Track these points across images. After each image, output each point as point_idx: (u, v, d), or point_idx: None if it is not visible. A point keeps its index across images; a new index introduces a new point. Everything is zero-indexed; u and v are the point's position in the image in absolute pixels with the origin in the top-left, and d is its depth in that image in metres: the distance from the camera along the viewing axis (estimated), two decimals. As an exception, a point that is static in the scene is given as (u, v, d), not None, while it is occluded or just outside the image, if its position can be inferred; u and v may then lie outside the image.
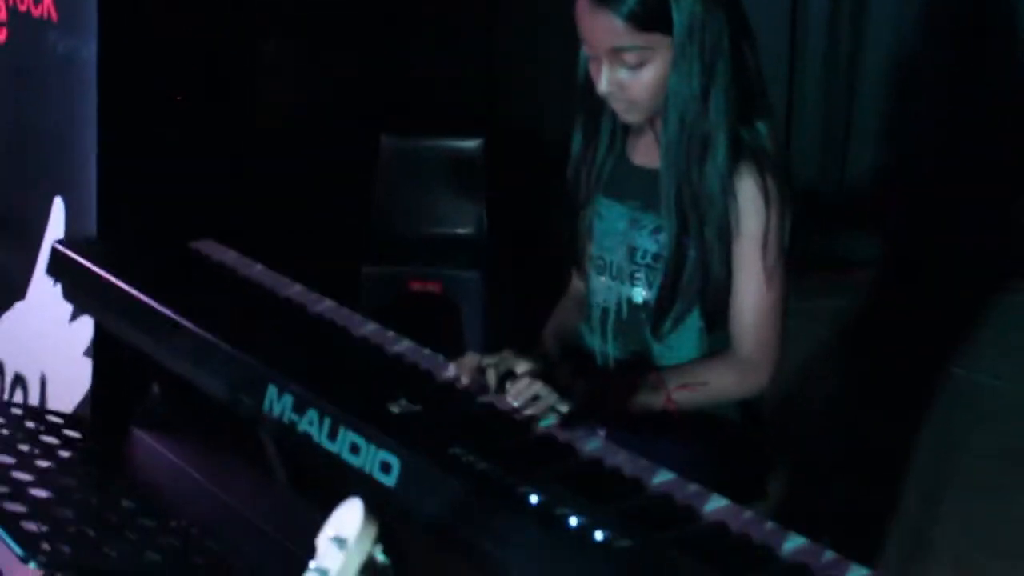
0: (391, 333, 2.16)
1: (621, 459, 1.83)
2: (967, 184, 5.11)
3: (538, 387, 1.91)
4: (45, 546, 1.76)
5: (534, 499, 1.65)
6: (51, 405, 2.99)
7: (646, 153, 2.23)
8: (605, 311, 2.28)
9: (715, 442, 2.20)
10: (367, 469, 1.76)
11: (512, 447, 1.82)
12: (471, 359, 2.02)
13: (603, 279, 2.27)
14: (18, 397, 3.15)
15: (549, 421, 1.91)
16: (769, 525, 1.69)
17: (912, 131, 5.15)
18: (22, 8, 3.15)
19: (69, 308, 3.00)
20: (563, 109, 2.39)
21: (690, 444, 2.13)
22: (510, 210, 4.30)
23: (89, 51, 2.95)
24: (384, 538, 1.39)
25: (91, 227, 2.95)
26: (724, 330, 2.20)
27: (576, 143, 2.29)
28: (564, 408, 1.91)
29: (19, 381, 3.17)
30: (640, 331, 2.24)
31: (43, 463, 2.08)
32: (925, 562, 3.34)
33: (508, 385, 1.94)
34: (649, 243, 2.20)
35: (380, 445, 1.76)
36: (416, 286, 4.02)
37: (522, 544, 1.60)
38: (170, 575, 1.90)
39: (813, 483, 3.72)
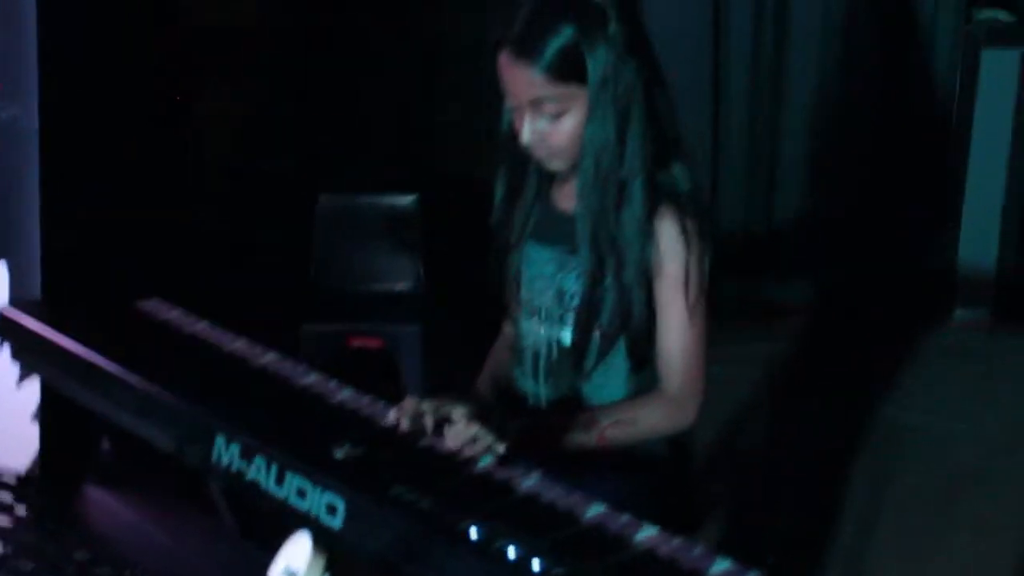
0: (333, 382, 2.24)
1: (556, 494, 1.92)
2: (892, 226, 5.24)
3: (475, 429, 2.00)
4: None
5: (474, 533, 1.73)
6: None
7: (571, 198, 2.31)
8: (536, 353, 2.38)
9: (646, 477, 2.30)
10: (314, 512, 1.84)
11: (452, 486, 1.90)
12: (410, 404, 2.10)
13: (533, 322, 2.37)
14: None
15: (487, 461, 2.00)
16: (697, 550, 1.78)
17: (836, 175, 5.26)
18: (-37, 77, 3.22)
19: (15, 373, 3.06)
20: (497, 161, 2.48)
21: (622, 479, 2.23)
22: (447, 264, 4.38)
23: (30, 117, 3.02)
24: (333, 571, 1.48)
25: (35, 290, 3.01)
26: (650, 368, 2.29)
27: (499, 191, 2.39)
28: (500, 448, 1.99)
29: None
30: (569, 373, 2.34)
31: (-2, 521, 2.14)
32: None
33: (446, 428, 2.03)
34: (576, 286, 2.30)
35: (325, 488, 1.84)
36: (356, 342, 4.08)
37: (464, 576, 1.69)
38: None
39: (751, 519, 3.82)
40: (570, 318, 2.31)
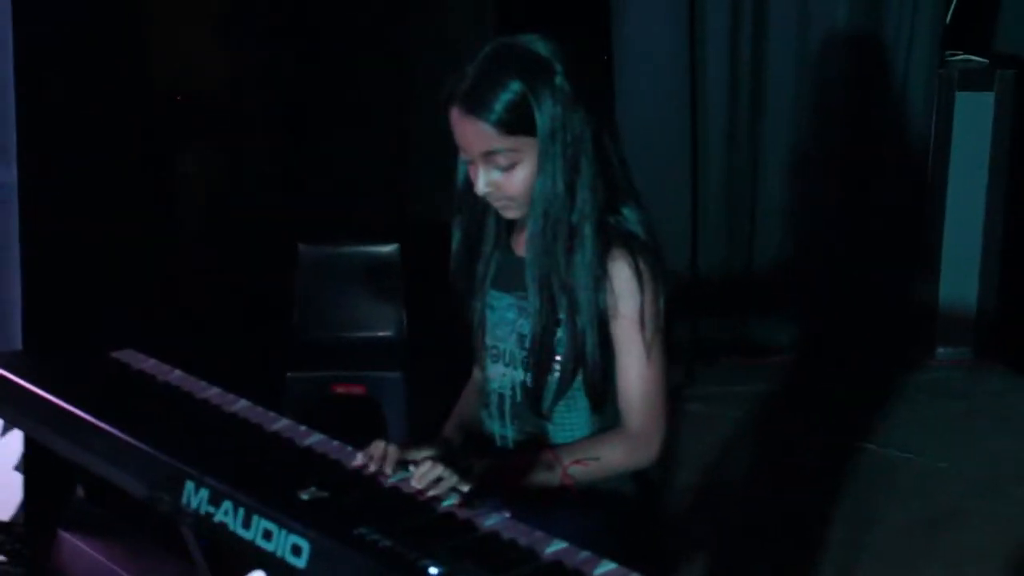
0: (303, 428, 2.28)
1: (517, 532, 1.95)
2: (873, 267, 5.28)
3: (440, 470, 2.05)
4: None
5: (434, 571, 1.77)
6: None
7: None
8: (501, 396, 2.42)
9: (612, 514, 2.34)
10: (279, 553, 1.88)
11: (415, 525, 1.94)
12: (377, 447, 2.15)
13: (498, 366, 2.42)
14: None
15: (451, 501, 2.04)
16: (654, 584, 1.83)
17: (815, 218, 5.29)
18: (-55, 137, 3.27)
19: (-1, 424, 3.11)
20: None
21: (588, 517, 2.27)
22: (429, 311, 4.42)
23: (10, 177, 3.08)
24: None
25: (17, 342, 3.07)
26: (612, 406, 2.33)
27: (456, 241, 2.44)
28: (465, 488, 2.03)
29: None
30: (534, 413, 2.38)
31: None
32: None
33: (412, 469, 2.08)
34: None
35: (290, 530, 1.88)
36: (340, 389, 4.13)
37: (424, 613, 1.73)
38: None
39: (733, 556, 3.85)
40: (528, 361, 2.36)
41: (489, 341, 2.44)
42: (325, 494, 1.99)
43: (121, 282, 3.37)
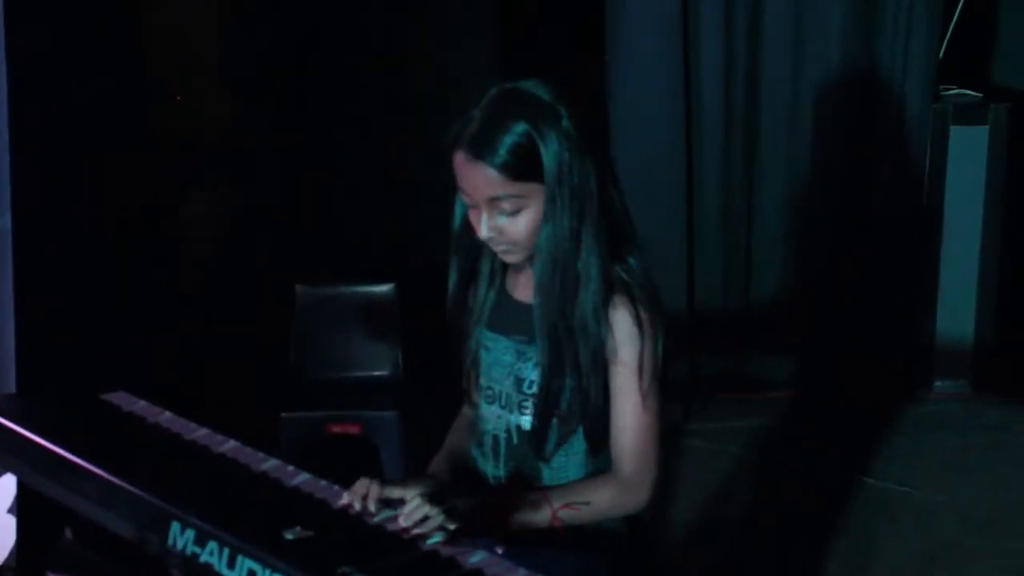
0: (291, 468, 2.30)
1: (501, 569, 1.97)
2: (868, 300, 5.29)
3: (427, 508, 2.05)
4: None
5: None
6: (-24, 561, 3.07)
7: (526, 288, 2.37)
8: (496, 438, 2.42)
9: (602, 553, 2.34)
10: (264, 593, 1.90)
11: (399, 563, 1.96)
12: (363, 485, 2.16)
13: (493, 408, 2.42)
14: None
15: (438, 539, 2.04)
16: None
17: (810, 252, 5.30)
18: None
19: (-9, 469, 3.12)
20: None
21: (578, 556, 2.28)
22: (425, 350, 4.43)
23: (4, 222, 3.11)
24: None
25: (11, 387, 3.09)
26: (607, 450, 2.33)
27: (452, 282, 2.44)
28: (451, 526, 2.04)
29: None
30: (530, 456, 2.37)
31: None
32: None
33: (400, 507, 2.09)
34: (534, 374, 2.33)
35: (275, 570, 1.90)
36: (336, 429, 4.13)
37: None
38: None
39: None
40: (529, 405, 2.35)
41: (484, 382, 2.44)
42: (310, 533, 2.00)
43: (116, 325, 3.38)
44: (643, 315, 2.27)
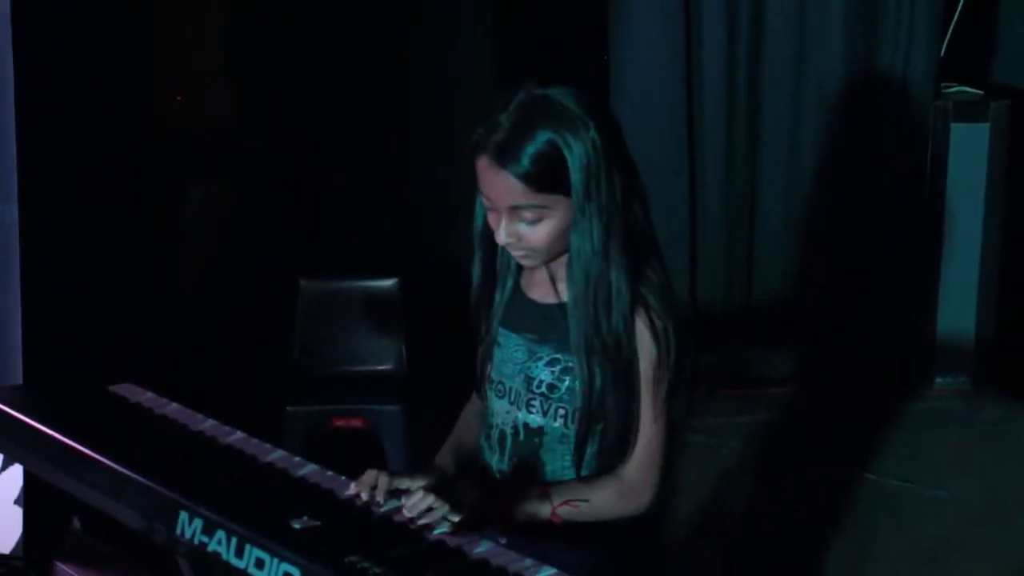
0: (297, 458, 2.30)
1: (507, 559, 1.98)
2: (869, 296, 5.31)
3: (431, 499, 2.06)
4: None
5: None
6: (-16, 551, 3.08)
7: (540, 287, 2.36)
8: (503, 432, 2.41)
9: (604, 545, 2.35)
10: (271, 582, 1.91)
11: (404, 553, 1.96)
12: (370, 476, 2.17)
13: (502, 403, 2.41)
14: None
15: (443, 530, 2.05)
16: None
17: (812, 248, 5.31)
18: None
19: (-1, 459, 3.13)
20: (473, 247, 2.54)
21: (581, 548, 2.29)
22: (427, 345, 4.45)
23: (11, 215, 3.11)
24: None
25: (18, 378, 3.10)
26: (614, 455, 2.32)
27: (476, 276, 2.42)
28: (455, 518, 2.05)
29: (-49, 533, 3.27)
30: (535, 452, 2.37)
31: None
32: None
33: (404, 499, 2.09)
34: (545, 374, 2.33)
35: (282, 559, 1.90)
36: (340, 422, 4.15)
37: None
38: None
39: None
40: (537, 404, 2.35)
41: (495, 376, 2.43)
42: (317, 523, 2.01)
43: (122, 318, 3.39)
44: (659, 326, 2.26)
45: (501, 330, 2.42)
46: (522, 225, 2.22)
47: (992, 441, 4.91)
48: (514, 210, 2.21)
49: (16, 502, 3.08)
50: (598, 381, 2.27)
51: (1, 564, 2.37)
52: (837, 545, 4.09)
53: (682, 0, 5.01)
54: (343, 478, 2.24)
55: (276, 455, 2.32)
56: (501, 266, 2.41)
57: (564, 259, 2.28)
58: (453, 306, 2.69)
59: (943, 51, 5.24)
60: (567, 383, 2.31)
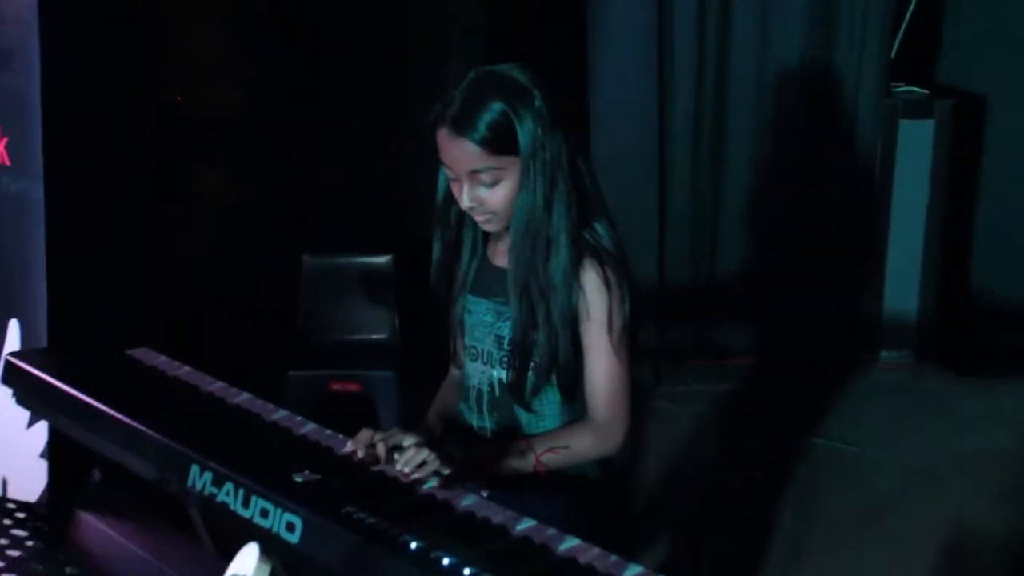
0: (299, 418, 2.30)
1: (491, 511, 1.98)
2: (822, 276, 5.31)
3: (424, 454, 2.06)
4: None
5: (414, 545, 1.79)
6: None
7: (505, 255, 2.37)
8: (479, 391, 2.43)
9: (579, 498, 2.36)
10: (275, 530, 1.90)
11: (397, 505, 1.96)
12: (365, 435, 2.17)
13: (476, 364, 2.43)
14: (-20, 497, 3.24)
15: (432, 483, 2.06)
16: (613, 558, 1.84)
17: (771, 232, 5.31)
18: (-21, 155, 3.30)
19: (26, 416, 3.12)
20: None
21: (557, 500, 2.29)
22: (419, 316, 4.43)
23: (37, 192, 3.10)
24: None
25: (43, 343, 3.08)
26: (581, 400, 2.35)
27: (436, 251, 2.44)
28: (445, 471, 2.05)
29: (-17, 484, 3.26)
30: (511, 407, 2.40)
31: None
32: (789, 606, 3.50)
33: (397, 455, 2.10)
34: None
35: (285, 509, 1.90)
36: (337, 386, 4.14)
37: (403, 582, 1.75)
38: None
39: (693, 538, 3.87)
40: (509, 360, 2.37)
41: (468, 341, 2.45)
42: (317, 477, 2.01)
43: (139, 289, 3.38)
44: (610, 276, 2.29)
45: (471, 297, 2.44)
46: (482, 189, 2.25)
47: (931, 409, 4.91)
48: (473, 175, 2.23)
49: (41, 456, 3.08)
50: (528, 320, 2.28)
51: (28, 512, 2.36)
52: (789, 500, 4.10)
53: (655, 8, 5.00)
54: (341, 436, 2.24)
55: (280, 414, 2.33)
56: (467, 240, 2.43)
57: None
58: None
59: (893, 54, 5.24)
60: (536, 338, 2.31)
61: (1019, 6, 5.28)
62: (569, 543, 1.89)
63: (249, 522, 1.94)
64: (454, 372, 2.57)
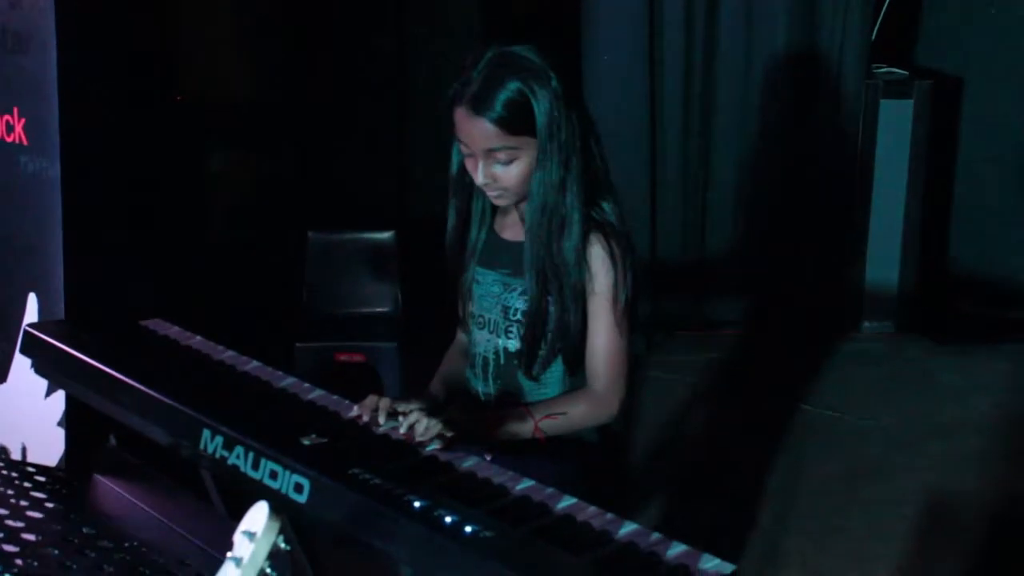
0: (306, 384, 2.29)
1: (491, 472, 1.97)
2: (807, 250, 5.30)
3: (426, 420, 2.05)
4: (18, 561, 1.88)
5: (417, 504, 1.78)
6: (30, 468, 3.07)
7: (512, 229, 2.38)
8: (485, 359, 2.42)
9: (577, 460, 2.35)
10: (283, 490, 1.88)
11: (402, 467, 1.95)
12: (371, 400, 2.16)
13: (483, 333, 2.42)
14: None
15: (435, 446, 2.05)
16: (608, 516, 1.83)
17: (758, 208, 5.31)
18: (-3, 134, 3.28)
19: (44, 386, 3.11)
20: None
21: (556, 463, 2.28)
22: (420, 289, 4.42)
23: (54, 170, 3.08)
24: (291, 534, 1.52)
25: (60, 316, 3.07)
26: (583, 370, 2.34)
27: (450, 221, 2.43)
28: (448, 434, 2.04)
29: (2, 451, 3.26)
30: (514, 374, 2.39)
31: (19, 501, 2.19)
32: (776, 566, 3.49)
33: (402, 419, 2.09)
34: (519, 303, 2.34)
35: (293, 471, 1.89)
36: (343, 357, 4.13)
37: (407, 540, 1.73)
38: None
39: (686, 502, 3.88)
40: (515, 329, 2.36)
41: (475, 310, 2.43)
42: (324, 440, 1.99)
43: (153, 263, 3.36)
44: (616, 251, 2.27)
45: (479, 269, 2.42)
46: (497, 167, 2.22)
47: (911, 377, 4.93)
48: (490, 153, 2.21)
49: (59, 424, 3.07)
50: (542, 295, 2.27)
51: (47, 475, 2.35)
52: (776, 465, 4.11)
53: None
54: (347, 402, 2.23)
55: (288, 381, 2.31)
56: (476, 212, 2.41)
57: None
58: (442, 257, 2.67)
59: (874, 36, 5.23)
60: (548, 311, 2.30)
61: (994, -9, 5.27)
62: (566, 502, 1.88)
63: (259, 483, 1.92)
64: (461, 337, 2.56)
